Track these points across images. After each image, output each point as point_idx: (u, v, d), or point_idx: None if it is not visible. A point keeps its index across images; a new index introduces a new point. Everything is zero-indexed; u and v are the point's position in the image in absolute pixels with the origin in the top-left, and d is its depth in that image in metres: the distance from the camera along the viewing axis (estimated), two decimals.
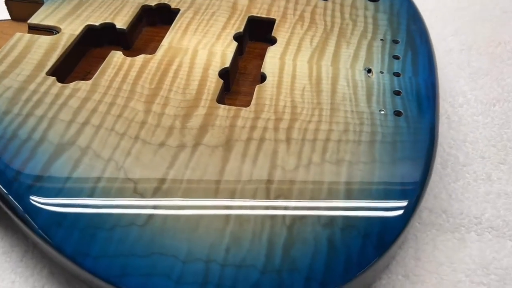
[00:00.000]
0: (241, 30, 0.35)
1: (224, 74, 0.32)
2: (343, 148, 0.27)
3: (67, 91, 0.30)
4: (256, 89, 0.31)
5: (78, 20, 0.36)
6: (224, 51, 0.33)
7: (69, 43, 0.34)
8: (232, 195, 0.25)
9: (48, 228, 0.24)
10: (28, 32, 0.36)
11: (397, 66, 0.33)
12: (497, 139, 0.35)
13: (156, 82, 0.31)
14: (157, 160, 0.26)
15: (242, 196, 0.25)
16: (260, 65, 0.35)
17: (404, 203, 0.25)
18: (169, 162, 0.26)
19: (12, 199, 0.25)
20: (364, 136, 0.28)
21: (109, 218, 0.24)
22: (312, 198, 0.25)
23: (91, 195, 0.25)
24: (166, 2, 0.38)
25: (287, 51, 0.34)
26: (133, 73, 0.32)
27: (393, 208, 0.25)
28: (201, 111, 0.29)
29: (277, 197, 0.25)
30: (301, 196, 0.25)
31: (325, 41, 0.35)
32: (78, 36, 0.35)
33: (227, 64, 0.32)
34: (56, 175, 0.26)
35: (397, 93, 0.31)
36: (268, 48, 0.34)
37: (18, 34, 0.35)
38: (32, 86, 0.31)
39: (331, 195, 0.25)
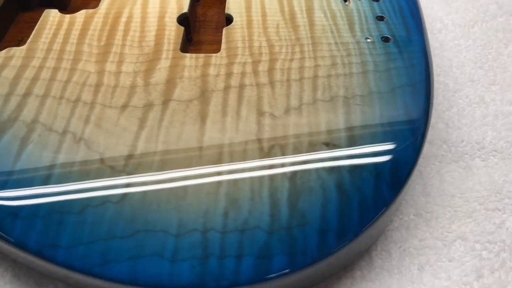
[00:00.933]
0: None
1: (183, 20, 0.28)
2: (335, 83, 0.24)
3: None
4: (223, 32, 0.27)
5: None
6: None
7: None
8: (220, 152, 0.21)
9: (2, 222, 0.19)
10: None
11: None
12: (483, 60, 0.33)
13: (105, 38, 0.26)
14: (122, 123, 0.22)
15: (232, 151, 0.21)
16: (221, 12, 0.31)
17: (412, 133, 0.22)
18: (137, 124, 0.22)
19: None
20: (355, 68, 0.25)
21: (77, 199, 0.20)
22: (311, 142, 0.22)
23: (49, 175, 0.20)
24: None
25: None
26: (75, 32, 0.27)
27: (401, 139, 0.22)
28: (164, 63, 0.25)
29: (271, 148, 0.21)
30: (298, 143, 0.22)
31: None
32: None
33: (185, 9, 0.28)
34: (1, 159, 0.21)
35: (380, 18, 0.28)
36: None
37: None
38: None
39: (331, 135, 0.22)
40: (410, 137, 0.22)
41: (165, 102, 0.23)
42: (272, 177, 0.21)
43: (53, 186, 0.20)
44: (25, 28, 0.30)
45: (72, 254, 0.19)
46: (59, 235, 0.19)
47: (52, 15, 0.28)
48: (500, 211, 0.25)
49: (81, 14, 0.28)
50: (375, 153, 0.22)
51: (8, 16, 0.30)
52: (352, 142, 0.22)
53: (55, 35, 0.26)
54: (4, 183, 0.20)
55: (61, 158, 0.21)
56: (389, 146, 0.22)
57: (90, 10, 0.28)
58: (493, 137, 0.28)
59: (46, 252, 0.19)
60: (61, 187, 0.20)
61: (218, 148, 0.21)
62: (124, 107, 0.23)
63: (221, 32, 0.30)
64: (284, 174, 0.21)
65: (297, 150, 0.21)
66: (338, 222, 0.20)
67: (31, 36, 0.26)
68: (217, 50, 0.28)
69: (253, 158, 0.21)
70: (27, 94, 0.23)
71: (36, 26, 0.27)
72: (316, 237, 0.19)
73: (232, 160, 0.21)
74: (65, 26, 0.27)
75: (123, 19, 0.28)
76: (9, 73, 0.24)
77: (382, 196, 0.21)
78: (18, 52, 0.26)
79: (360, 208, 0.20)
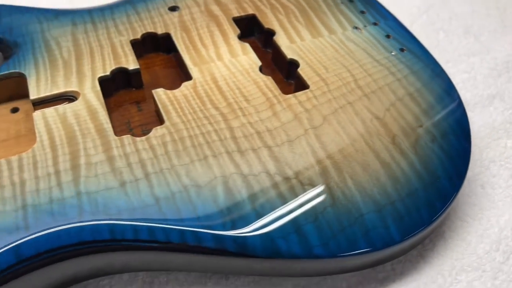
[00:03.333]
0: (239, 31, 0.39)
1: (264, 70, 0.36)
2: (396, 87, 0.35)
3: (155, 141, 0.30)
4: (300, 73, 0.35)
5: (85, 78, 0.34)
6: (246, 54, 0.37)
7: (102, 100, 0.32)
8: (369, 149, 0.31)
9: (270, 247, 0.26)
10: (35, 109, 0.32)
11: (370, 18, 0.41)
12: (431, 48, 0.47)
13: (223, 100, 0.33)
14: (290, 156, 0.30)
15: (377, 148, 0.31)
16: (261, 57, 0.40)
17: (454, 97, 0.35)
18: (307, 149, 0.30)
19: (226, 245, 0.26)
20: (399, 74, 0.36)
21: (306, 213, 0.27)
22: (411, 127, 0.32)
23: (273, 204, 0.27)
24: (150, 31, 0.38)
25: (290, 36, 0.39)
26: (195, 101, 0.33)
27: (452, 104, 0.34)
28: (280, 106, 0.33)
29: (393, 138, 0.32)
30: (405, 130, 0.32)
31: (307, 18, 0.41)
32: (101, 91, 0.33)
33: (259, 62, 0.36)
34: (233, 204, 0.27)
35: (388, 36, 0.39)
36: (275, 38, 0.38)
37: (37, 114, 0.31)
38: (116, 152, 0.29)
39: (419, 119, 0.33)
40: (455, 101, 0.34)
41: (307, 131, 0.31)
42: (404, 156, 0.31)
43: (285, 212, 0.27)
44: (121, 111, 0.35)
45: (329, 247, 0.26)
46: (312, 239, 0.26)
47: (162, 94, 0.33)
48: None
49: (186, 87, 0.34)
50: (446, 119, 0.33)
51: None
52: (431, 118, 0.33)
53: (181, 108, 0.32)
54: (252, 215, 0.26)
55: (271, 191, 0.28)
56: (450, 111, 0.34)
57: (189, 82, 0.34)
58: (472, 94, 0.42)
59: (312, 252, 0.26)
60: (291, 211, 0.27)
61: (364, 142, 0.31)
62: (283, 143, 0.30)
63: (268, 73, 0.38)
64: (410, 151, 0.31)
65: (407, 135, 0.32)
66: (453, 169, 0.31)
67: (163, 115, 0.31)
68: (287, 87, 0.36)
69: (391, 147, 0.31)
70: (206, 157, 0.29)
71: (160, 106, 0.32)
72: (449, 184, 0.30)
73: (376, 149, 0.31)
74: (182, 99, 0.33)
75: (221, 82, 0.34)
76: (174, 147, 0.30)
77: (464, 146, 0.32)
78: (164, 129, 0.31)
79: (459, 158, 0.31)
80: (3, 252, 0.24)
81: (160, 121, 0.33)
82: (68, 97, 0.33)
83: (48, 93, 0.33)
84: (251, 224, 0.26)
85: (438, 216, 0.29)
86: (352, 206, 0.28)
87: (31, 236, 0.25)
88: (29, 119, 0.34)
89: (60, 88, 0.33)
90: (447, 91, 0.35)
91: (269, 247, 0.26)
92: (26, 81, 0.34)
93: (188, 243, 0.26)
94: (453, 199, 0.30)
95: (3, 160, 0.28)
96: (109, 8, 0.40)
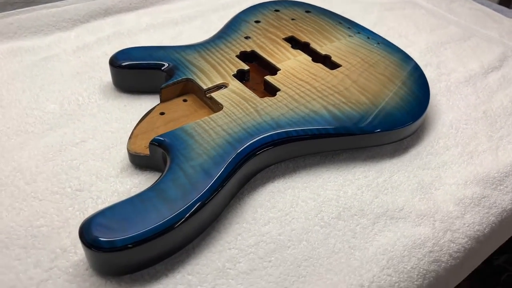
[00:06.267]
0: (290, 44, 0.68)
1: (313, 60, 0.65)
2: (384, 59, 0.66)
3: (280, 98, 0.57)
4: (334, 59, 0.65)
5: (225, 75, 0.60)
6: (300, 55, 0.66)
7: (242, 84, 0.59)
8: (383, 87, 0.61)
9: (350, 131, 0.54)
10: (206, 93, 0.58)
11: (355, 30, 0.73)
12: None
13: (302, 76, 0.61)
14: (349, 93, 0.59)
15: (387, 85, 0.61)
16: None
17: (412, 61, 0.66)
18: (356, 91, 0.59)
19: (328, 131, 0.54)
20: (383, 53, 0.67)
21: (361, 115, 0.56)
22: (397, 73, 0.63)
23: (350, 113, 0.56)
24: (242, 50, 0.66)
25: (318, 44, 0.69)
26: (289, 78, 0.61)
27: (412, 63, 0.66)
28: (332, 75, 0.62)
29: (392, 80, 0.62)
30: (394, 75, 0.63)
31: (322, 34, 0.71)
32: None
33: (310, 57, 0.65)
34: (334, 115, 0.55)
35: (368, 37, 0.71)
36: (311, 46, 0.68)
37: (214, 94, 0.57)
38: (265, 104, 0.56)
39: (400, 70, 0.64)
40: (412, 61, 0.66)
41: (351, 83, 0.61)
42: (400, 87, 0.61)
43: (355, 112, 0.56)
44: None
45: (375, 128, 0.55)
46: (372, 126, 0.55)
47: (271, 78, 0.60)
48: None
49: (280, 73, 0.61)
50: (412, 69, 0.64)
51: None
52: (405, 69, 0.64)
53: (284, 82, 0.60)
54: (344, 118, 0.55)
55: (346, 106, 0.56)
56: (412, 65, 0.65)
57: (280, 71, 0.62)
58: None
59: (374, 129, 0.55)
60: (357, 113, 0.56)
61: (380, 84, 0.61)
62: (343, 90, 0.59)
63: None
64: (401, 84, 0.61)
65: (398, 78, 0.63)
66: (426, 90, 0.62)
67: (278, 87, 0.59)
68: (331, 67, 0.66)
69: (391, 84, 0.61)
70: (309, 100, 0.57)
71: (273, 83, 0.60)
72: (424, 97, 0.61)
73: (386, 86, 0.61)
74: (281, 79, 0.60)
75: (296, 69, 0.63)
76: (292, 97, 0.57)
77: (425, 81, 0.64)
78: (282, 92, 0.58)
79: (426, 86, 0.63)
80: (246, 147, 0.50)
81: (269, 93, 0.60)
82: (221, 86, 0.59)
83: (211, 85, 0.59)
84: (343, 122, 0.55)
85: (423, 112, 0.60)
86: (382, 110, 0.58)
87: (251, 141, 0.51)
88: (196, 102, 0.59)
89: (215, 82, 0.59)
90: (407, 57, 0.67)
91: (350, 131, 0.54)
92: (191, 83, 0.59)
93: (315, 133, 0.53)
94: (427, 106, 0.61)
95: (213, 115, 0.54)
96: (212, 41, 0.67)
